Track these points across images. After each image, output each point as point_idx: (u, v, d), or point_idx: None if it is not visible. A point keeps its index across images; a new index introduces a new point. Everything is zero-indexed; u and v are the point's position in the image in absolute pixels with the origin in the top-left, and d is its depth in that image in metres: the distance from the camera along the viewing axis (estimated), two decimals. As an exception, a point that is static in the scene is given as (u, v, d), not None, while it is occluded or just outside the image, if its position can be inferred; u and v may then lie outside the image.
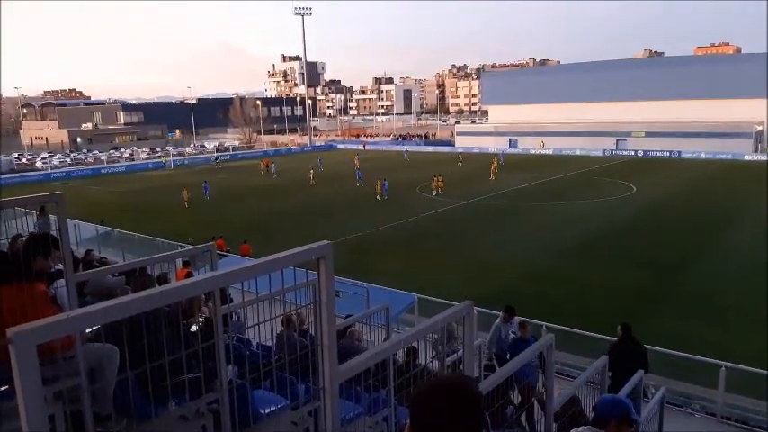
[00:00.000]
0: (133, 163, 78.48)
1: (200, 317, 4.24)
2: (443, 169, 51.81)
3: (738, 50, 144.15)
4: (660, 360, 11.43)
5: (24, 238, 7.51)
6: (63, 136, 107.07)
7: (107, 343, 3.91)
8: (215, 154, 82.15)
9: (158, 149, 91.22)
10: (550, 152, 74.91)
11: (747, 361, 11.52)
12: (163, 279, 4.84)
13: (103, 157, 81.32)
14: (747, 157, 62.56)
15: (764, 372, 11.04)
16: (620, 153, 71.47)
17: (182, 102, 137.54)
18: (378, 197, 41.20)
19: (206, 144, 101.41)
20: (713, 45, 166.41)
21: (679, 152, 66.92)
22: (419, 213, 35.78)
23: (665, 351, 11.95)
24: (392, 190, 42.40)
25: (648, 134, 71.61)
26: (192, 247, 8.79)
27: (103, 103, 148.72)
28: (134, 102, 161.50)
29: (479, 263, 24.85)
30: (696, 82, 71.92)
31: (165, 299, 1.99)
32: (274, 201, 43.12)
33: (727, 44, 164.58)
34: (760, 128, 67.37)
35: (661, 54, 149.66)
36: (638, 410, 6.27)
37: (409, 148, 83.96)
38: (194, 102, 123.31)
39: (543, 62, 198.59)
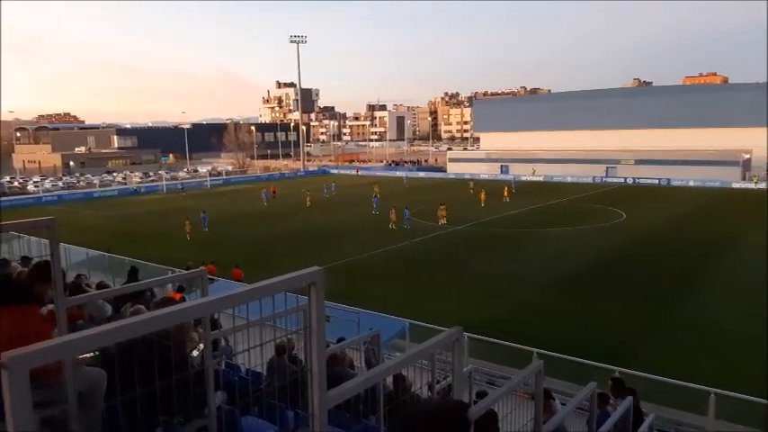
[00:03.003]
0: (125, 187, 78.20)
1: (198, 344, 4.25)
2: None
3: (726, 80, 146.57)
4: (650, 387, 11.45)
5: (15, 263, 7.49)
6: (56, 159, 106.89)
7: (96, 367, 3.92)
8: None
9: (151, 173, 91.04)
10: (541, 179, 75.47)
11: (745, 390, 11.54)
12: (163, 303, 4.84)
13: (96, 181, 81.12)
14: (735, 185, 63.32)
15: (755, 399, 11.08)
16: (610, 180, 72.10)
17: (176, 127, 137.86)
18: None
19: (199, 168, 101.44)
20: (701, 75, 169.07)
21: (668, 180, 67.62)
22: (413, 238, 35.83)
23: (654, 377, 12.00)
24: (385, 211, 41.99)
25: (638, 162, 72.41)
26: (184, 271, 8.81)
27: (97, 128, 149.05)
28: (128, 126, 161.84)
29: (472, 289, 24.84)
30: (685, 111, 73.25)
31: (158, 324, 2.01)
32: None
33: (715, 74, 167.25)
34: (747, 156, 68.31)
35: (650, 83, 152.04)
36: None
37: (402, 173, 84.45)
38: (188, 127, 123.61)
39: (534, 90, 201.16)
